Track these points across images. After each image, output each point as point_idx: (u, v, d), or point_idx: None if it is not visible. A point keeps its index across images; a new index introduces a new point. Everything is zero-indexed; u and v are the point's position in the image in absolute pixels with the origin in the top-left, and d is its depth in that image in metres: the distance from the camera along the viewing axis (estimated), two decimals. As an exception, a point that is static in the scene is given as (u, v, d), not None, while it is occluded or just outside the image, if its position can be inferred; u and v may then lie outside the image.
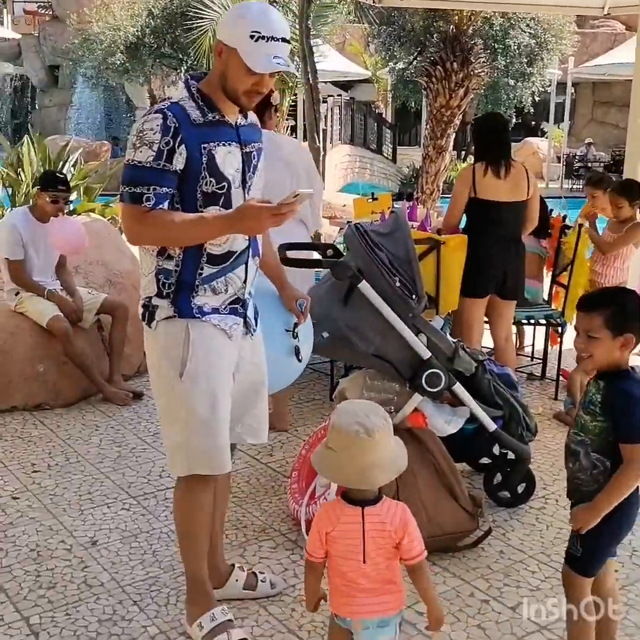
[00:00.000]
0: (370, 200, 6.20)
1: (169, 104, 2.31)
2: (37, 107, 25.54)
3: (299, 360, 2.80)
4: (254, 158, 2.45)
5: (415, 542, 1.95)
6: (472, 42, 10.75)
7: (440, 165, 10.58)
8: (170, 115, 2.25)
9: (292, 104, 14.84)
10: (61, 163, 6.10)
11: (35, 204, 4.57)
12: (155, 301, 2.37)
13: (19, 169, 5.95)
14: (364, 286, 3.11)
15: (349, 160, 18.86)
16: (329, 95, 18.15)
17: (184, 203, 2.31)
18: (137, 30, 16.75)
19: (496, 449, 3.43)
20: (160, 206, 2.25)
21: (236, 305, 2.43)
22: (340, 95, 19.72)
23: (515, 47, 13.84)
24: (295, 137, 15.71)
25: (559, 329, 4.87)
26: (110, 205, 6.34)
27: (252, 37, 2.22)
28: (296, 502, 3.18)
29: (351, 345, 3.19)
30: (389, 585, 1.98)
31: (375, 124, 21.00)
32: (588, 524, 2.13)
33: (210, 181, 2.31)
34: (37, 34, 24.78)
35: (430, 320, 3.34)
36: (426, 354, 3.19)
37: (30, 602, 2.67)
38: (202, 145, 2.29)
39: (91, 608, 2.65)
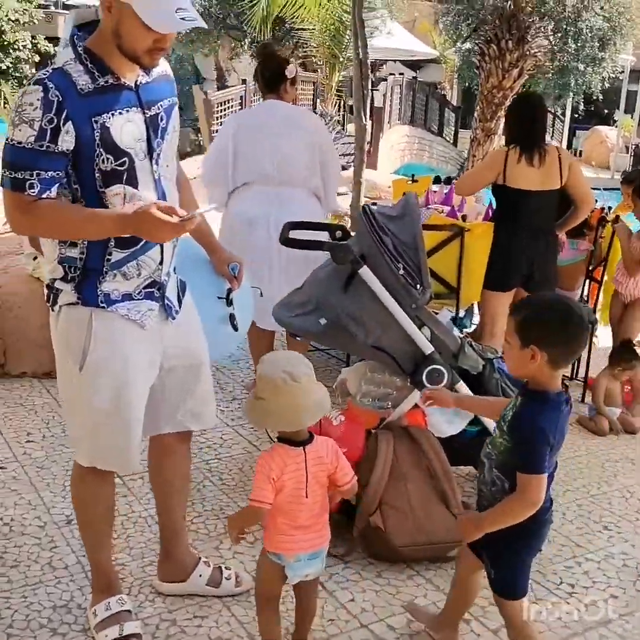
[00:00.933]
0: (410, 182, 6.00)
1: (50, 72, 2.00)
2: (108, 74, 25.78)
3: (235, 329, 2.65)
4: (161, 120, 2.15)
5: (346, 468, 2.17)
6: (530, 20, 10.24)
7: (488, 148, 10.18)
8: (51, 87, 1.96)
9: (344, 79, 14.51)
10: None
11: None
12: (58, 284, 2.15)
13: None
14: (365, 272, 2.91)
15: (407, 142, 18.49)
16: (390, 74, 17.79)
17: (81, 183, 2.06)
18: (204, 0, 16.66)
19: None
20: (47, 193, 2.00)
21: (152, 289, 2.21)
22: (402, 74, 19.30)
23: (588, 30, 13.24)
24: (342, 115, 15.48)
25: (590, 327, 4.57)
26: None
27: None
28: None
29: (350, 335, 2.99)
30: (322, 519, 2.15)
31: (438, 106, 20.53)
32: (470, 536, 2.08)
33: (108, 158, 2.03)
34: (113, 2, 24.91)
35: (437, 313, 3.13)
36: (428, 348, 2.98)
37: (-10, 581, 2.59)
38: (93, 119, 2.00)
39: (49, 592, 2.55)
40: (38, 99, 1.96)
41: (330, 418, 3.06)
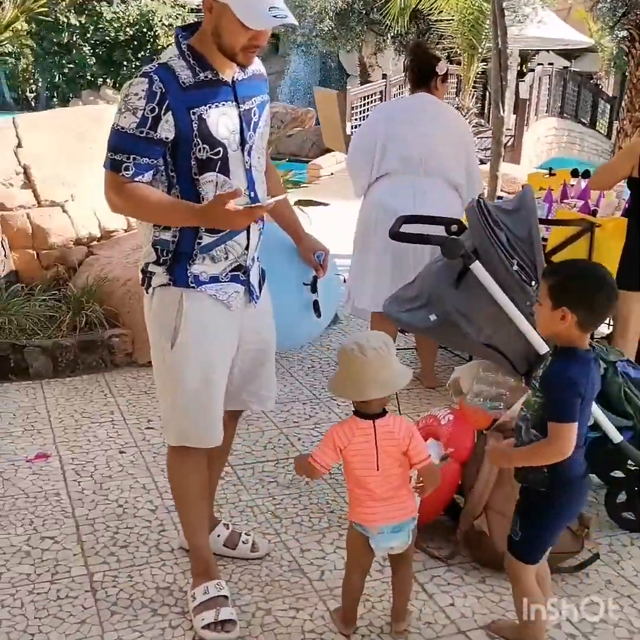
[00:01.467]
0: (547, 175, 5.77)
1: (156, 66, 2.17)
2: (256, 74, 26.46)
3: (318, 316, 2.63)
4: (254, 115, 2.29)
5: (420, 446, 2.25)
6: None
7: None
8: (156, 80, 2.12)
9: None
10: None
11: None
12: (151, 268, 2.30)
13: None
14: (477, 267, 2.80)
15: (555, 134, 17.78)
16: (539, 64, 17.16)
17: (178, 171, 2.20)
18: (347, -4, 16.75)
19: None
20: (140, 177, 2.15)
21: (237, 273, 2.33)
22: (551, 63, 18.56)
23: None
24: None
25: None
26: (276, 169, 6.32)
27: None
28: (386, 493, 2.98)
29: (460, 332, 2.90)
30: (401, 492, 2.26)
31: (591, 96, 19.62)
32: (497, 462, 2.24)
33: (204, 147, 2.17)
34: (260, 3, 25.52)
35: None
36: (543, 348, 2.83)
37: (100, 559, 2.70)
38: (191, 111, 2.15)
39: (154, 574, 2.63)
40: (143, 90, 2.13)
41: (439, 417, 2.99)
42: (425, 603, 2.52)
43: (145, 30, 22.46)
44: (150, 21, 22.38)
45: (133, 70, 22.59)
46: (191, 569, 2.52)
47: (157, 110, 2.12)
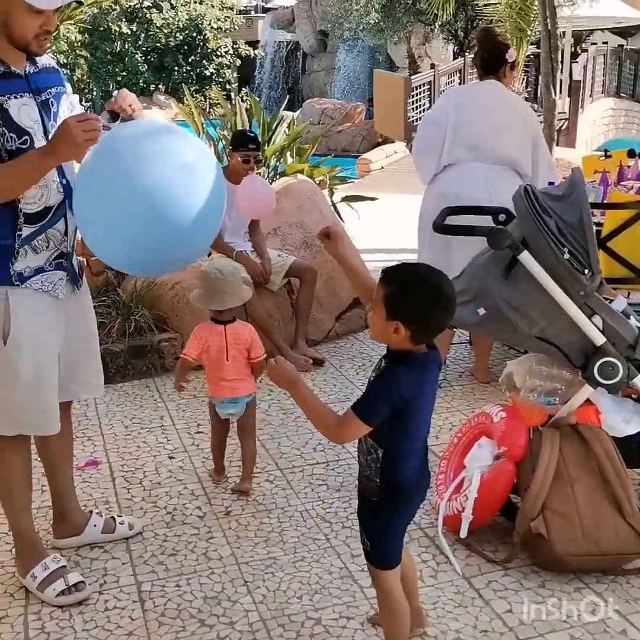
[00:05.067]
0: (602, 157, 5.57)
1: None
2: (306, 71, 26.42)
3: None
4: (52, 105, 2.34)
5: (258, 346, 3.09)
6: None
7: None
8: None
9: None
10: (275, 124, 6.12)
11: (228, 165, 4.58)
12: None
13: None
14: (526, 258, 2.68)
15: (612, 115, 17.26)
16: (592, 44, 16.69)
17: None
18: (393, -12, 16.59)
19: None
20: None
21: (61, 260, 2.40)
22: (605, 43, 18.04)
23: None
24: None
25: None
26: (320, 166, 6.26)
27: None
28: (439, 494, 2.88)
29: (511, 325, 2.78)
30: (240, 377, 3.09)
31: (648, 74, 18.99)
32: (276, 381, 1.98)
33: (11, 137, 2.20)
34: (309, 0, 25.47)
35: (611, 300, 2.82)
36: (600, 339, 2.69)
37: (149, 568, 2.67)
38: None
39: (202, 582, 2.58)
40: None
41: (491, 414, 2.88)
42: (481, 610, 2.42)
43: (194, 34, 22.65)
44: (200, 25, 22.55)
45: (184, 74, 22.82)
46: (19, 553, 2.59)
47: None
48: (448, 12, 12.58)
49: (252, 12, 29.18)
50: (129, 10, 22.07)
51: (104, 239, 2.20)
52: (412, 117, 14.54)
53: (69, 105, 2.45)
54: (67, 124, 2.13)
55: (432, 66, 14.51)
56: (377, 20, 16.66)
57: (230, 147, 4.60)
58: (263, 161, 5.28)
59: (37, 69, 2.34)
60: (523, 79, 14.29)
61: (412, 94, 14.23)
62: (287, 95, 11.58)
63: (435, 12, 14.38)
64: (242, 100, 6.52)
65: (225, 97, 22.14)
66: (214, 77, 23.31)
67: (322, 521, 2.92)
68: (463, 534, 2.66)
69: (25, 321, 2.34)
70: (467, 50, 16.84)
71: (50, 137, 2.28)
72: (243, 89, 18.36)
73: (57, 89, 2.39)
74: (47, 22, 2.22)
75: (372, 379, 2.04)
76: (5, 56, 2.24)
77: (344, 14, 17.64)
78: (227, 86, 23.52)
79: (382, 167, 12.80)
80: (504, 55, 3.97)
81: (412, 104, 14.60)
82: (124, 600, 2.50)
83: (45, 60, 2.40)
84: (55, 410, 2.48)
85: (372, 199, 6.42)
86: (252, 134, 4.54)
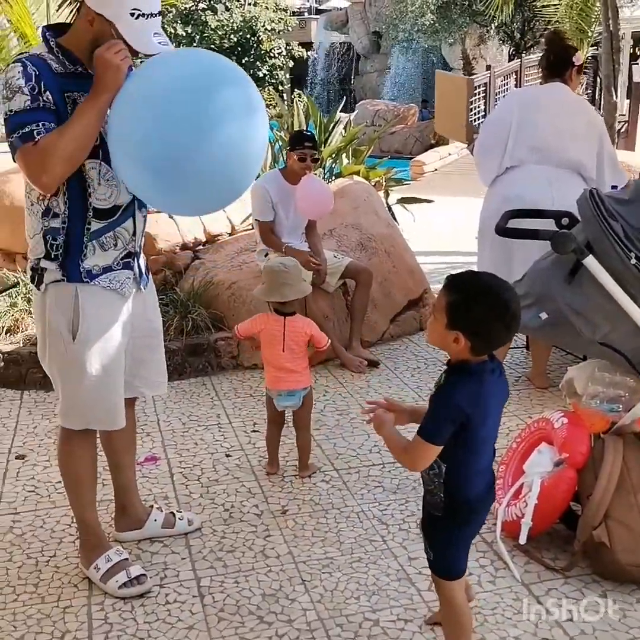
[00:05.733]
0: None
1: (28, 55, 2.26)
2: (359, 73, 26.44)
3: None
4: None
5: (320, 336, 3.23)
6: None
7: None
8: (29, 64, 2.20)
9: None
10: (332, 126, 6.14)
11: (285, 167, 4.61)
12: (43, 263, 2.36)
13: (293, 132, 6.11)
14: (591, 262, 2.65)
15: (673, 118, 16.88)
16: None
17: None
18: (448, -11, 16.49)
19: None
20: None
21: (128, 259, 2.44)
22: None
23: None
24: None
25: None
26: (376, 167, 6.26)
27: (132, 14, 2.17)
28: (497, 499, 2.86)
29: (574, 331, 2.76)
30: (297, 370, 3.20)
31: None
32: (375, 428, 2.05)
33: None
34: (364, 1, 25.48)
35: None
36: (665, 346, 2.65)
37: (207, 563, 2.70)
38: (66, 94, 2.23)
39: (260, 580, 2.60)
40: (19, 71, 2.20)
41: (552, 420, 2.84)
42: (541, 617, 2.39)
43: (248, 36, 22.83)
44: (254, 27, 22.73)
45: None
46: (83, 545, 2.63)
47: (37, 88, 2.19)
48: (506, 13, 12.43)
49: (306, 14, 29.32)
50: (184, 12, 22.36)
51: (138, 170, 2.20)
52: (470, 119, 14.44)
53: None
54: (100, 55, 2.18)
55: (488, 68, 14.37)
56: (432, 22, 16.57)
57: (287, 148, 4.63)
58: (320, 161, 5.29)
59: None
60: (582, 81, 14.11)
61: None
62: (343, 97, 11.58)
63: (491, 14, 14.27)
64: (294, 102, 6.55)
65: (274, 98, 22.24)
66: (266, 78, 23.45)
67: (379, 523, 2.92)
68: (522, 540, 2.63)
69: (93, 318, 2.39)
70: (523, 52, 16.65)
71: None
72: (295, 90, 18.45)
73: None
74: (134, 52, 2.28)
75: (433, 393, 2.02)
76: (84, 60, 2.30)
77: (399, 15, 17.60)
78: (280, 87, 23.65)
79: (436, 169, 12.75)
80: (571, 58, 3.95)
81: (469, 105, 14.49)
82: (184, 594, 2.54)
83: None
84: (121, 406, 2.53)
85: (428, 201, 6.39)
86: (309, 133, 4.56)
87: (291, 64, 23.92)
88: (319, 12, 29.42)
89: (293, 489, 3.18)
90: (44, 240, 2.36)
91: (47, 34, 2.32)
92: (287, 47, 23.67)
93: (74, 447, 2.55)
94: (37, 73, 2.20)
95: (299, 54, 24.10)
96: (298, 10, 28.55)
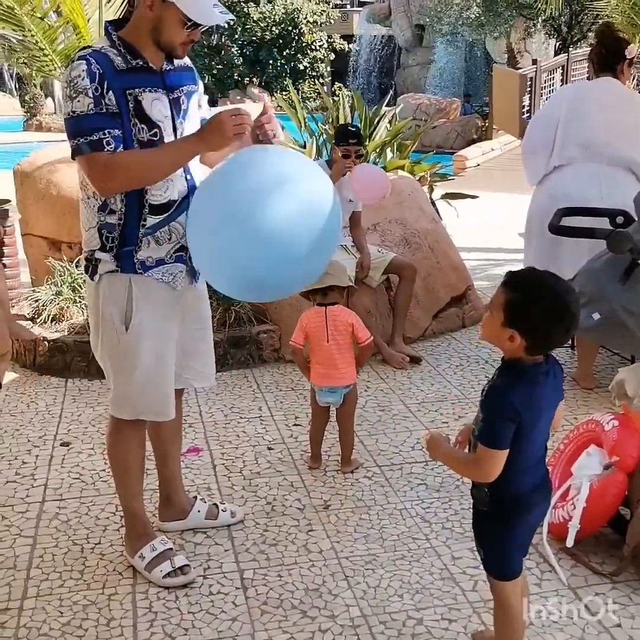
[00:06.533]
0: None
1: (91, 51, 2.26)
2: (400, 66, 26.27)
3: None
4: (183, 103, 2.39)
5: (362, 330, 3.21)
6: None
7: None
8: (93, 62, 2.21)
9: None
10: (377, 119, 6.10)
11: (330, 159, 4.59)
12: (98, 255, 2.38)
13: (337, 126, 6.08)
14: (647, 263, 2.60)
15: None
16: None
17: None
18: (495, -18, 16.27)
19: None
20: (120, 148, 2.24)
21: (181, 253, 2.43)
22: None
23: None
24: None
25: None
26: (421, 162, 6.20)
27: None
28: (543, 502, 2.82)
29: (627, 332, 2.71)
30: (340, 366, 3.18)
31: None
32: (430, 451, 2.04)
33: (142, 128, 2.27)
34: (408, -6, 25.28)
35: None
36: None
37: (250, 556, 2.70)
38: (127, 92, 2.25)
39: (303, 574, 2.60)
40: (83, 70, 2.21)
41: (602, 422, 2.80)
42: (588, 622, 2.36)
43: (290, 28, 22.82)
44: (296, 19, 22.71)
45: (278, 68, 23.02)
46: (128, 534, 2.65)
47: (100, 89, 2.21)
48: (555, 6, 12.23)
49: (348, 6, 29.20)
50: (226, 3, 22.40)
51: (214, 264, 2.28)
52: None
53: (197, 104, 2.49)
54: (221, 117, 2.24)
55: (534, 62, 14.17)
56: (477, 15, 16.37)
57: (333, 142, 4.60)
58: (365, 156, 5.25)
59: (173, 67, 2.40)
60: (634, 76, 13.83)
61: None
62: (385, 90, 11.52)
63: (539, 7, 14.06)
64: (335, 94, 6.49)
65: (318, 91, 22.12)
66: (307, 71, 23.42)
67: (422, 521, 2.90)
68: (569, 543, 2.59)
69: (146, 309, 2.41)
70: (570, 46, 16.40)
71: (179, 134, 2.36)
72: (336, 83, 18.40)
73: (189, 88, 2.44)
74: (194, 34, 2.30)
75: (484, 390, 1.99)
76: (146, 53, 2.31)
77: (444, 8, 17.41)
78: (320, 80, 23.62)
79: (478, 165, 12.63)
80: (623, 51, 3.88)
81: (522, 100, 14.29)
82: (227, 586, 2.55)
83: (181, 60, 2.45)
84: (171, 397, 2.55)
85: (474, 196, 6.31)
86: (354, 129, 4.52)
87: (332, 56, 23.86)
88: (361, 4, 29.28)
89: (335, 484, 3.17)
90: (99, 234, 2.38)
91: (109, 28, 2.33)
92: (329, 40, 23.61)
93: (124, 436, 2.57)
94: (101, 71, 2.22)
95: (340, 47, 24.02)
96: (340, 2, 28.44)
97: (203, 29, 2.33)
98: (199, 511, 2.84)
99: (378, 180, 4.45)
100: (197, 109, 2.49)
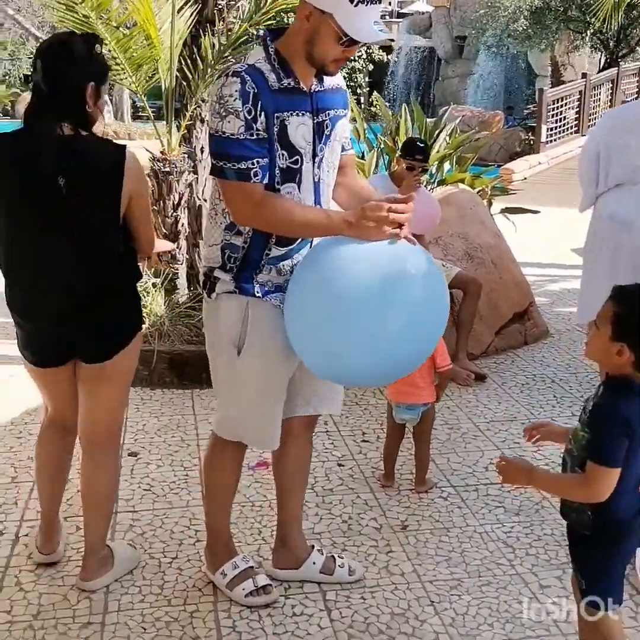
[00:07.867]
0: None
1: (246, 66, 2.14)
2: (440, 78, 26.19)
3: None
4: (326, 127, 2.26)
5: (442, 353, 3.06)
6: None
7: None
8: (248, 80, 2.11)
9: None
10: (437, 132, 6.05)
11: (394, 170, 4.54)
12: (217, 273, 2.30)
13: (396, 137, 6.04)
14: None
15: None
16: None
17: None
18: (544, -5, 16.14)
19: None
20: (265, 180, 2.14)
21: None
22: None
23: None
24: None
25: None
26: (482, 176, 6.13)
27: (352, 1, 2.02)
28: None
29: None
30: (420, 384, 3.11)
31: None
32: (512, 480, 2.02)
33: (283, 154, 2.16)
34: (448, 6, 25.21)
35: None
36: None
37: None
38: (276, 115, 2.14)
39: (387, 597, 2.54)
40: (236, 90, 2.10)
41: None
42: (687, 659, 2.27)
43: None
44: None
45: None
46: (210, 550, 2.59)
47: (253, 111, 2.10)
48: (615, 21, 12.01)
49: (387, 17, 29.17)
50: (273, 15, 22.47)
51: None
52: (554, 128, 14.16)
53: (342, 129, 2.35)
54: (362, 209, 2.09)
55: (584, 76, 14.02)
56: (525, 27, 16.24)
57: (399, 153, 4.55)
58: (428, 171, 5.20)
59: (322, 88, 2.26)
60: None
61: (559, 105, 13.82)
62: (424, 101, 11.45)
63: (587, 20, 13.93)
64: (372, 105, 6.40)
65: (356, 101, 22.06)
66: (345, 81, 23.40)
67: (504, 545, 2.82)
68: (663, 574, 2.51)
69: (261, 334, 2.30)
70: (619, 60, 16.22)
71: (317, 160, 2.25)
72: (374, 93, 18.38)
73: (335, 112, 2.30)
74: (350, 51, 2.15)
75: (588, 409, 1.92)
76: (297, 69, 2.18)
77: (490, 20, 17.30)
78: (358, 91, 23.59)
79: (525, 178, 12.50)
80: None
81: (554, 116, 14.16)
82: (311, 607, 2.49)
83: (334, 79, 2.30)
84: (276, 427, 2.41)
85: (534, 211, 6.22)
86: (422, 145, 4.45)
87: (371, 67, 23.82)
88: (400, 15, 29.24)
89: (410, 503, 3.11)
90: (222, 253, 2.29)
91: (268, 38, 2.20)
92: (368, 51, 23.57)
93: (224, 455, 2.51)
94: (256, 91, 2.11)
95: (379, 58, 23.97)
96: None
97: (360, 46, 2.20)
98: (314, 563, 2.61)
99: (433, 208, 4.40)
100: (342, 135, 2.34)
